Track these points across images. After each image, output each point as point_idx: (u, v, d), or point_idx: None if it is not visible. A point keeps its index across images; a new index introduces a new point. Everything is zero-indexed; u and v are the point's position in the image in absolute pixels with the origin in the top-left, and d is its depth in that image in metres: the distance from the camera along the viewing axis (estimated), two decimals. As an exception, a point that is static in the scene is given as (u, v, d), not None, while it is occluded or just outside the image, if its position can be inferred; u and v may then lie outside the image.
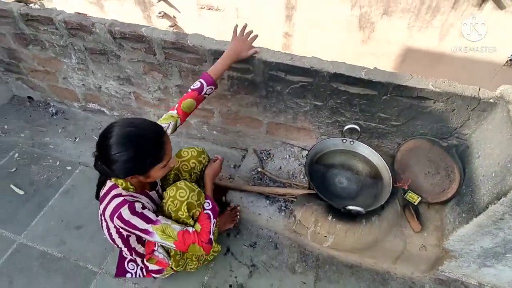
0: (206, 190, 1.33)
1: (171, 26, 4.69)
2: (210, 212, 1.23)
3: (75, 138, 2.10)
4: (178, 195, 1.17)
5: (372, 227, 1.43)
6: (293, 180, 1.70)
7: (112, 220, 1.07)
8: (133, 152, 0.99)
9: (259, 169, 1.75)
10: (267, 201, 1.66)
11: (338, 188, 1.54)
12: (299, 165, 1.76)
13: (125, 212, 1.05)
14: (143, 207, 1.10)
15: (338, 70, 1.40)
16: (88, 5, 5.29)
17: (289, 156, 1.81)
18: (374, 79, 1.37)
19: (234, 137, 1.95)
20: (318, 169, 1.58)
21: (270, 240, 1.62)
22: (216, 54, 1.47)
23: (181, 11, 4.93)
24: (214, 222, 1.22)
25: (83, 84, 2.03)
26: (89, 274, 1.51)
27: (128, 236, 1.19)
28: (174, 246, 1.12)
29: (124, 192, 1.10)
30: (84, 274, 1.51)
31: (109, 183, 1.13)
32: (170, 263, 1.30)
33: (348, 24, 4.36)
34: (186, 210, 1.17)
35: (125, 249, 1.25)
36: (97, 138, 2.08)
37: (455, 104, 1.34)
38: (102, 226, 1.20)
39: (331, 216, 1.45)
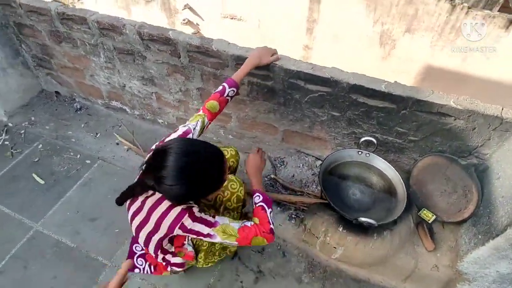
0: (253, 186, 1.28)
1: (194, 33, 4.83)
2: (263, 204, 1.22)
3: (96, 133, 2.17)
4: (230, 186, 1.27)
5: (384, 242, 1.41)
6: (305, 189, 1.70)
7: (172, 230, 1.05)
8: (189, 187, 0.95)
9: (272, 176, 1.76)
10: (278, 208, 1.67)
11: (351, 199, 1.53)
12: (312, 174, 1.76)
13: (187, 222, 1.04)
14: (200, 210, 1.08)
15: (358, 81, 1.41)
16: (117, 9, 5.51)
17: (302, 165, 1.81)
18: (394, 93, 1.37)
19: (249, 143, 1.97)
20: (332, 180, 1.57)
21: (279, 248, 1.61)
22: (239, 60, 1.51)
23: (205, 19, 5.06)
24: (271, 211, 1.21)
25: (108, 82, 2.12)
26: (99, 266, 1.54)
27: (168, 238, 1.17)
28: (237, 243, 1.11)
29: None
30: (95, 265, 1.54)
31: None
32: (197, 257, 1.30)
33: (369, 40, 4.37)
34: (235, 201, 1.26)
35: (151, 249, 1.21)
36: (116, 135, 2.12)
37: (476, 122, 1.32)
38: (141, 228, 1.13)
39: (342, 227, 1.44)
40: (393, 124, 1.49)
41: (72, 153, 2.04)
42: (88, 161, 1.99)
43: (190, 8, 4.85)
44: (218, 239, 1.08)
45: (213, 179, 1.01)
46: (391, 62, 4.46)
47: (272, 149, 1.92)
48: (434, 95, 1.35)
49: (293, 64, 1.49)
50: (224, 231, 1.08)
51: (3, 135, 2.13)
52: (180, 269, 1.34)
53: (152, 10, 5.05)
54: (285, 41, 5.17)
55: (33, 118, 2.25)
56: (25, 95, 2.33)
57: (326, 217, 1.48)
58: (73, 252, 1.59)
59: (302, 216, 1.61)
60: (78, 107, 2.33)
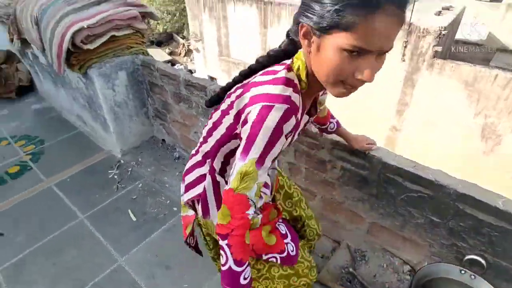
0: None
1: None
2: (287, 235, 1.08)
3: (187, 183, 2.38)
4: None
5: None
6: (388, 294, 1.51)
7: (253, 101, 0.76)
8: None
9: (351, 270, 1.63)
10: (353, 309, 1.50)
11: (447, 327, 1.29)
12: (398, 280, 1.57)
13: (274, 114, 0.73)
14: (289, 133, 0.77)
15: (467, 191, 1.29)
16: (220, 72, 6.34)
17: (387, 266, 1.64)
18: (515, 214, 1.20)
19: (328, 225, 1.90)
20: (424, 295, 1.37)
21: None
22: (336, 144, 1.56)
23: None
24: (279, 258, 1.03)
25: (208, 140, 2.37)
26: (164, 319, 1.57)
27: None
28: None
29: (295, 82, 0.80)
30: (160, 317, 1.58)
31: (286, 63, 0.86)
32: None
33: (468, 131, 4.06)
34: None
35: (223, 148, 0.95)
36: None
37: None
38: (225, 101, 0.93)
39: None
40: (510, 248, 1.28)
41: (163, 198, 2.25)
42: (175, 208, 2.16)
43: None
44: (237, 167, 0.75)
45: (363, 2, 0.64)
46: (494, 159, 3.99)
47: (353, 238, 1.80)
48: None
49: (393, 159, 1.46)
50: (246, 173, 0.73)
51: (115, 169, 2.50)
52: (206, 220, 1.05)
53: (250, 76, 5.68)
54: (372, 119, 5.14)
55: (140, 159, 2.61)
56: (139, 139, 2.74)
57: None
58: (144, 296, 1.67)
59: (382, 328, 1.41)
60: (177, 156, 2.63)
